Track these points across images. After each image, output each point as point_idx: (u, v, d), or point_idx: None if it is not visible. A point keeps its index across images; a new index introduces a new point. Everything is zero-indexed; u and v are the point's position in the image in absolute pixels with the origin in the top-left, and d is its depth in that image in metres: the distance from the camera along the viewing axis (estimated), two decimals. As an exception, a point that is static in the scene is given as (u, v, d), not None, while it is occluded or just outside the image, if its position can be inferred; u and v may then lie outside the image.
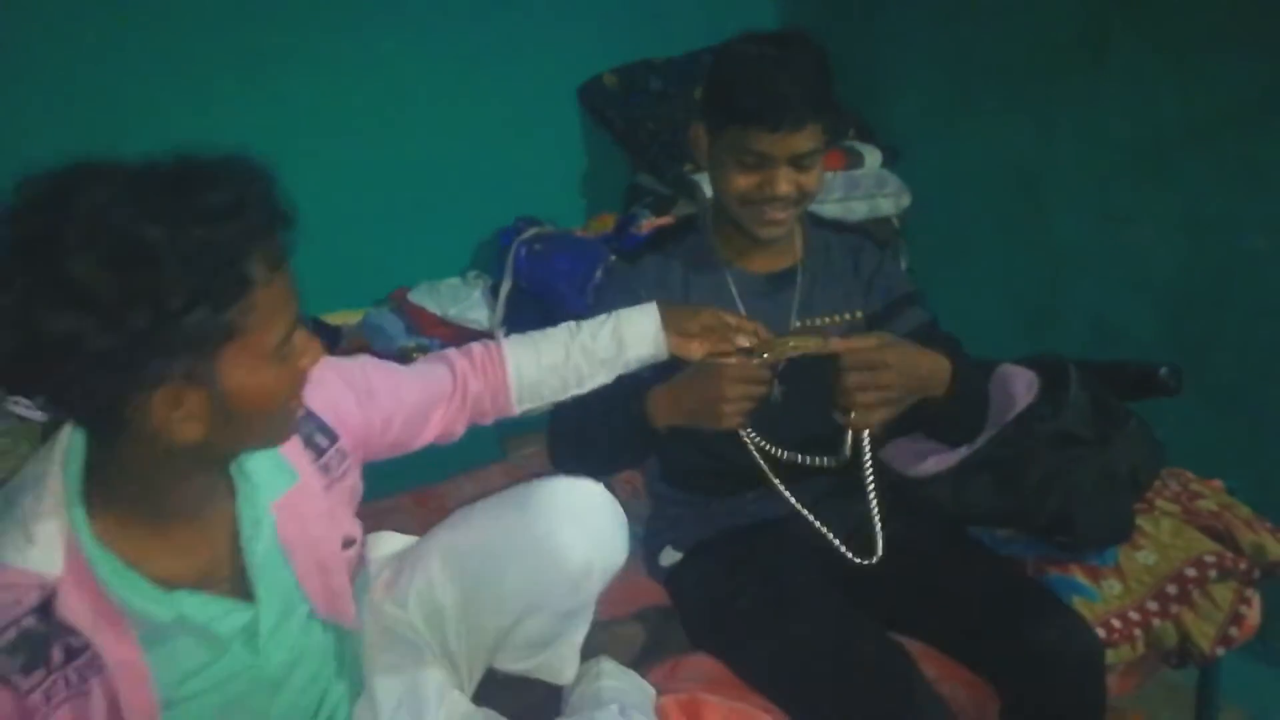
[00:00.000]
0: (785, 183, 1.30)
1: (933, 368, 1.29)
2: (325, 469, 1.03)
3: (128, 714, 0.85)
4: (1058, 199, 2.34)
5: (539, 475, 1.95)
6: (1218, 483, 1.69)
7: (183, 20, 2.16)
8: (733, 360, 1.24)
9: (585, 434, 1.37)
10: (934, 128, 2.60)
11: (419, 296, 2.24)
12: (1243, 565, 1.48)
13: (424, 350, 2.14)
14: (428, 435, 1.19)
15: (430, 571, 1.13)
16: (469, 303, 2.25)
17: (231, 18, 2.21)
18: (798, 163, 1.30)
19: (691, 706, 1.24)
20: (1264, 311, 1.96)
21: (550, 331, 1.26)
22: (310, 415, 1.01)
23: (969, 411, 1.39)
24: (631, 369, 1.27)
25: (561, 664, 1.22)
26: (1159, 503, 1.58)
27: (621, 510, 1.17)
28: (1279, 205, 1.92)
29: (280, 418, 0.90)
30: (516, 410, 1.25)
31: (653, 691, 1.25)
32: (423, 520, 1.76)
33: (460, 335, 2.24)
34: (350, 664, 1.11)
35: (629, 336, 1.24)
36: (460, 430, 1.23)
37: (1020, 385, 1.57)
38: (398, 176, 2.42)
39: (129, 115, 2.14)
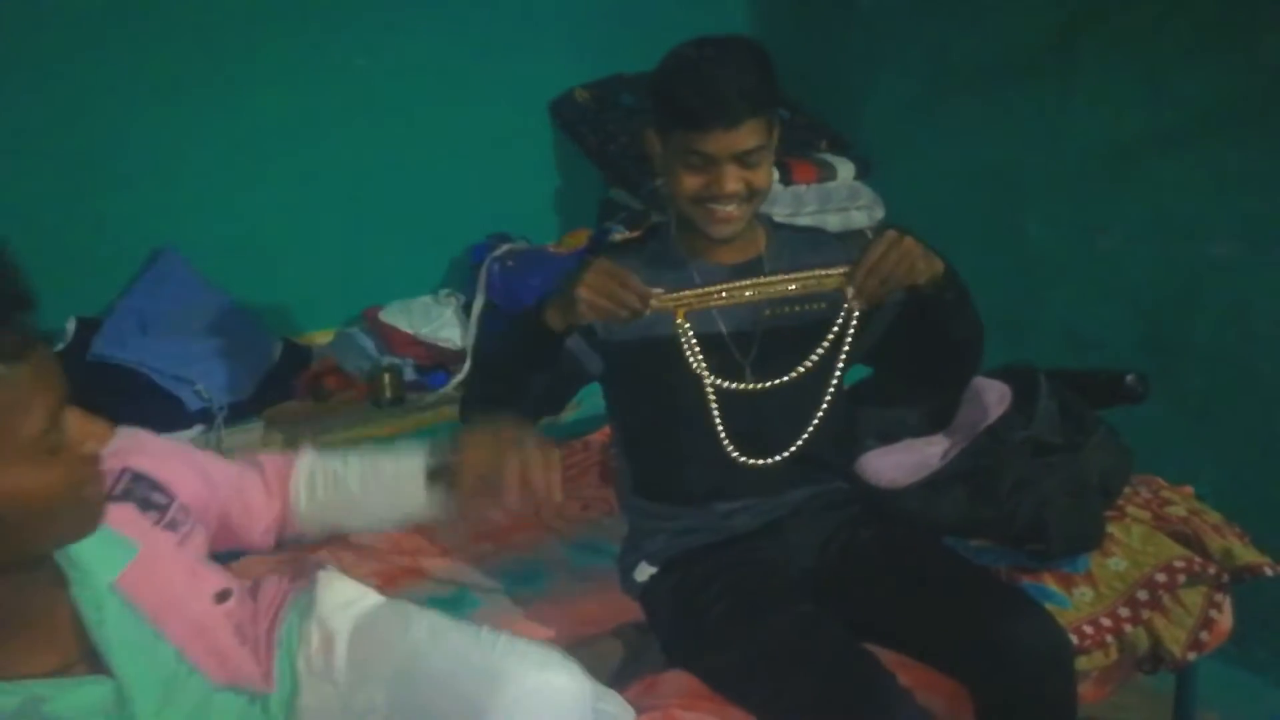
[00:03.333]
0: (731, 181, 1.31)
1: (933, 255, 1.30)
2: (172, 526, 0.98)
3: None
4: (1031, 207, 2.36)
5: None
6: (1188, 489, 1.70)
7: (150, 39, 2.15)
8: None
9: (492, 371, 1.37)
10: (906, 139, 2.62)
11: (390, 315, 2.22)
12: (1212, 570, 1.49)
13: (395, 371, 2.13)
14: (258, 529, 1.16)
15: (374, 699, 1.02)
16: (441, 321, 2.23)
17: (199, 33, 2.20)
18: (743, 160, 1.31)
19: (667, 724, 1.22)
20: (1232, 318, 1.98)
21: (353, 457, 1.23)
22: (140, 478, 0.98)
23: (963, 306, 1.36)
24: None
25: None
26: (1129, 509, 1.59)
27: (591, 706, 1.05)
28: (1246, 212, 1.94)
29: (74, 510, 0.82)
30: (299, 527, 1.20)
31: (633, 713, 1.24)
32: (395, 543, 1.76)
33: (432, 354, 2.23)
34: None
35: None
36: (272, 540, 1.19)
37: (993, 397, 1.58)
38: (369, 194, 2.41)
39: (96, 133, 2.13)
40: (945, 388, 1.59)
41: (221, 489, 1.08)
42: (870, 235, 2.57)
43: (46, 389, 0.77)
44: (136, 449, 0.95)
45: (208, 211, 2.24)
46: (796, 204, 2.43)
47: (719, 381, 1.36)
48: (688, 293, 1.30)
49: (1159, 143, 2.06)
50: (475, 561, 1.73)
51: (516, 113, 2.60)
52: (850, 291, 1.27)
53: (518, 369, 1.37)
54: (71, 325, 2.04)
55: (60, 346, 2.01)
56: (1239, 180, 1.93)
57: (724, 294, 1.29)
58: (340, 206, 2.37)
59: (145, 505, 0.97)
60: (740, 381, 1.38)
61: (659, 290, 1.27)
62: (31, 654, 0.84)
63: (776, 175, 2.37)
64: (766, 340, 1.42)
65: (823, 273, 1.29)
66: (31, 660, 0.83)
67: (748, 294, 1.30)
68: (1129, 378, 1.62)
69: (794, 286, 1.30)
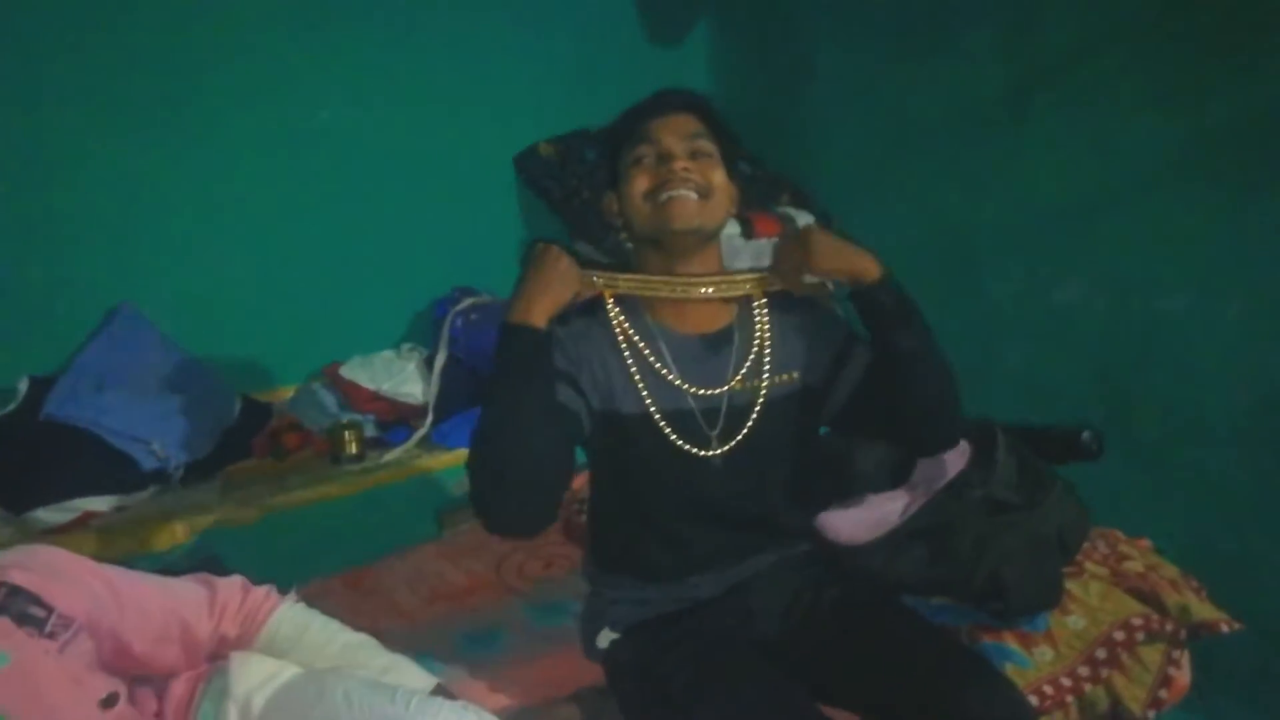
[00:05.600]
0: (680, 161, 1.35)
1: (860, 253, 1.37)
2: (52, 636, 1.00)
3: None
4: (986, 261, 2.39)
5: (470, 552, 1.95)
6: (1145, 541, 1.72)
7: (111, 93, 2.14)
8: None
9: (494, 418, 1.28)
10: (865, 192, 2.66)
11: (351, 371, 2.21)
12: (1169, 627, 1.50)
13: (356, 427, 2.11)
14: (171, 656, 1.16)
15: None
16: (403, 376, 2.22)
17: (161, 89, 2.19)
18: (690, 150, 1.36)
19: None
20: (1185, 371, 2.01)
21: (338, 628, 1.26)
22: (17, 590, 0.99)
23: (905, 304, 1.39)
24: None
25: None
26: (1088, 565, 1.60)
27: None
28: (1195, 266, 1.98)
29: None
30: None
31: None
32: (354, 605, 1.73)
33: (394, 410, 2.21)
34: None
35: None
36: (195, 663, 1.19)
37: (951, 453, 1.59)
38: (331, 247, 2.40)
39: (52, 187, 2.11)
40: (926, 443, 1.50)
41: (124, 605, 1.08)
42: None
43: None
44: (19, 564, 0.97)
45: (167, 267, 2.23)
46: (758, 257, 2.45)
47: (686, 446, 1.37)
48: (623, 277, 1.40)
49: (1110, 199, 2.11)
50: (434, 623, 1.71)
51: (481, 167, 2.61)
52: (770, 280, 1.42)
53: (518, 387, 1.28)
54: (24, 385, 2.00)
55: (11, 407, 1.97)
56: (1188, 235, 1.97)
57: (665, 284, 1.39)
58: (302, 261, 2.36)
59: (21, 619, 0.98)
60: (707, 450, 1.38)
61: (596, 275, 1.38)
62: None
63: (739, 229, 2.41)
64: (733, 414, 1.40)
65: (744, 276, 1.43)
66: None
67: (702, 289, 1.40)
68: (1085, 435, 1.63)
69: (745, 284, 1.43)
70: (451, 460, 2.08)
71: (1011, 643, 1.47)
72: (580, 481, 1.93)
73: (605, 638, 1.46)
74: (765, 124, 2.79)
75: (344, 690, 1.07)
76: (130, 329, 2.15)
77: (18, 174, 2.07)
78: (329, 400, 2.19)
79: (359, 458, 2.08)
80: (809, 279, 1.41)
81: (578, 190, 2.57)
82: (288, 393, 2.30)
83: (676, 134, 1.36)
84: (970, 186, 2.40)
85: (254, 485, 2.01)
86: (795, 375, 1.43)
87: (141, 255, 2.21)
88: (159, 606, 1.13)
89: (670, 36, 2.94)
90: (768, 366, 1.42)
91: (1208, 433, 1.99)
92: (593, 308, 1.45)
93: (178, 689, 1.12)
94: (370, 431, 2.16)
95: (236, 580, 1.23)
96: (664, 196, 1.34)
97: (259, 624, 1.20)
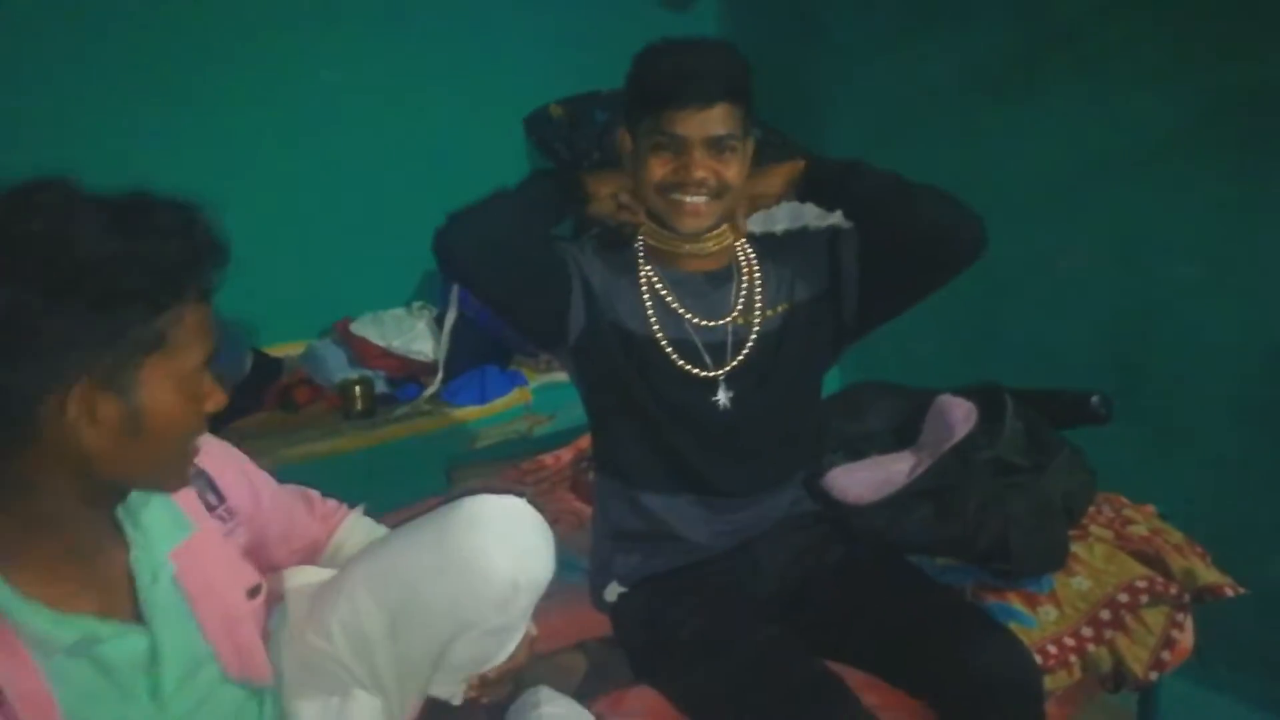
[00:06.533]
0: (701, 167, 1.30)
1: (769, 170, 1.41)
2: (221, 520, 1.05)
3: None
4: (994, 226, 2.36)
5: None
6: (1150, 508, 1.73)
7: (122, 54, 2.15)
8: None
9: (492, 204, 1.33)
10: (873, 157, 2.61)
11: (362, 328, 2.22)
12: (1174, 590, 1.51)
13: (367, 383, 2.12)
14: (288, 548, 1.23)
15: (355, 599, 1.10)
16: (413, 334, 2.23)
17: (172, 48, 2.19)
18: (713, 148, 1.31)
19: (632, 739, 1.22)
20: (1191, 337, 2.02)
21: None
22: (201, 474, 1.04)
23: (840, 164, 1.43)
24: None
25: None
26: (1093, 529, 1.61)
27: (546, 525, 1.17)
28: (1205, 234, 1.98)
29: (178, 456, 0.92)
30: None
31: (592, 718, 1.24)
32: (363, 555, 1.74)
33: (404, 366, 2.22)
34: None
35: None
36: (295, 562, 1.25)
37: (958, 415, 1.59)
38: (342, 206, 2.41)
39: (65, 145, 2.10)
40: (958, 255, 1.42)
41: (265, 505, 1.14)
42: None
43: (210, 335, 0.88)
44: (205, 449, 1.00)
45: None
46: (768, 221, 2.44)
47: (689, 368, 1.39)
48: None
49: (1121, 165, 2.10)
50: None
51: (491, 127, 2.61)
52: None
53: (526, 210, 1.35)
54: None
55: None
56: (1199, 203, 1.97)
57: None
58: (314, 219, 2.37)
59: (201, 496, 1.04)
60: (708, 373, 1.40)
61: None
62: (85, 594, 0.90)
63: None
64: (736, 346, 1.42)
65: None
66: (84, 600, 0.89)
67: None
68: (1094, 399, 1.64)
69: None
70: (461, 417, 2.10)
71: (1016, 602, 1.48)
72: (585, 441, 1.94)
73: (613, 591, 1.48)
74: (775, 88, 2.75)
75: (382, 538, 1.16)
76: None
77: (36, 133, 2.07)
78: (339, 356, 2.20)
79: (369, 413, 2.10)
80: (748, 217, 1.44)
81: (588, 152, 2.56)
82: (299, 348, 2.31)
83: (703, 130, 1.30)
84: (979, 152, 2.39)
85: (265, 437, 2.03)
86: (786, 306, 1.44)
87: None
88: (285, 507, 1.20)
89: (682, -1, 2.92)
90: (759, 300, 1.44)
91: (1214, 400, 1.99)
92: (623, 240, 1.48)
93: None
94: (380, 387, 2.18)
95: (314, 491, 1.30)
96: (676, 196, 1.34)
97: (331, 530, 1.27)
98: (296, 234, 2.34)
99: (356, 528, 1.29)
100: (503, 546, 1.09)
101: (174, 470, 0.93)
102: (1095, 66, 2.11)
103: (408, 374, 2.22)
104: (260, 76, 2.30)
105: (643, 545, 1.48)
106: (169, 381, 0.85)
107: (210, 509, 1.04)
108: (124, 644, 0.91)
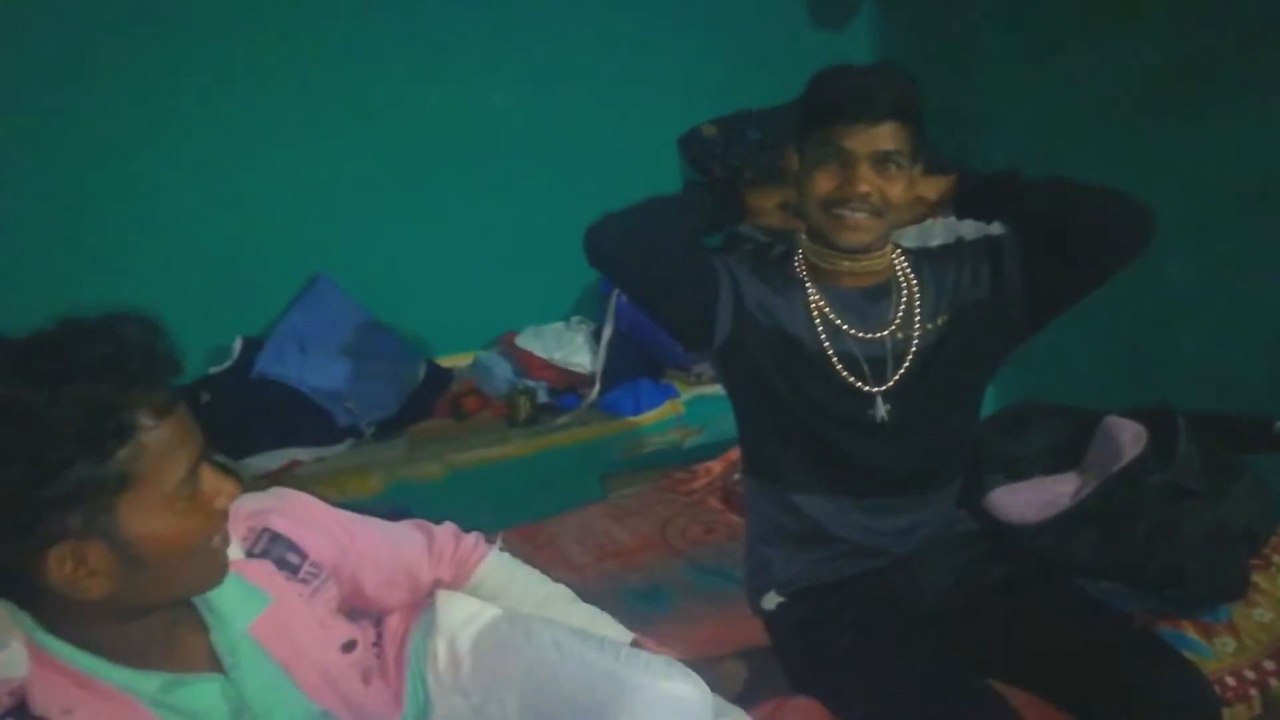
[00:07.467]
0: (865, 182, 1.32)
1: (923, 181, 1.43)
2: (304, 581, 1.04)
3: None
4: (1164, 244, 2.28)
5: (635, 515, 2.03)
6: (1339, 539, 1.64)
7: (311, 87, 2.33)
8: None
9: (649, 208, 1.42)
10: (1031, 172, 2.59)
11: (526, 340, 2.33)
12: (1365, 626, 1.43)
13: (530, 393, 2.22)
14: (397, 598, 1.20)
15: (506, 707, 1.09)
16: (573, 347, 2.33)
17: (353, 82, 2.37)
18: (879, 163, 1.32)
19: (793, 749, 1.24)
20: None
21: (539, 579, 1.30)
22: (277, 538, 1.04)
23: (995, 178, 1.45)
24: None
25: None
26: (1276, 559, 1.54)
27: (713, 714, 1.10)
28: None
29: (203, 559, 0.89)
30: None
31: (756, 729, 1.26)
32: (529, 557, 1.82)
33: (564, 377, 2.32)
34: None
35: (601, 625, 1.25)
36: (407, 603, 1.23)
37: (1127, 437, 1.56)
38: (507, 225, 2.54)
39: (260, 170, 2.31)
40: (1127, 245, 1.39)
41: (351, 548, 1.12)
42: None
43: (187, 443, 0.85)
44: (277, 510, 1.03)
45: (359, 242, 2.41)
46: (924, 236, 2.43)
47: (853, 380, 1.40)
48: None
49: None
50: (603, 578, 1.79)
51: (647, 148, 2.68)
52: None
53: (677, 212, 1.44)
54: (238, 344, 2.22)
55: (228, 363, 2.19)
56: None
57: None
58: (480, 237, 2.50)
59: (280, 564, 1.03)
60: (870, 387, 1.41)
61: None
62: (169, 666, 0.91)
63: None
64: (897, 361, 1.42)
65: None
66: (167, 666, 0.91)
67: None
68: (1277, 425, 1.57)
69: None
70: (617, 427, 2.18)
71: (1190, 631, 1.44)
72: (735, 453, 1.99)
73: (771, 599, 1.50)
74: (932, 106, 2.74)
75: (552, 636, 1.11)
76: (327, 297, 2.34)
77: (235, 160, 2.29)
78: (505, 367, 2.32)
79: (532, 421, 2.20)
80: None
81: (740, 171, 2.61)
82: (466, 359, 2.45)
83: (870, 145, 1.31)
84: (1146, 169, 2.29)
85: (436, 444, 2.16)
86: (946, 318, 1.43)
87: (337, 232, 2.40)
88: (389, 553, 1.17)
89: (835, 18, 2.93)
90: (918, 313, 1.43)
91: None
92: (780, 256, 1.52)
93: (393, 622, 1.19)
94: (542, 397, 2.28)
95: (449, 528, 1.28)
96: (839, 211, 1.35)
97: (468, 571, 1.25)
98: (465, 253, 2.48)
99: (493, 569, 1.26)
100: None
101: (201, 575, 0.91)
102: (1271, 78, 2.01)
103: (567, 385, 2.32)
104: (433, 105, 2.45)
105: (797, 549, 1.49)
106: (153, 509, 0.81)
107: (295, 569, 1.03)
108: (206, 689, 0.91)
